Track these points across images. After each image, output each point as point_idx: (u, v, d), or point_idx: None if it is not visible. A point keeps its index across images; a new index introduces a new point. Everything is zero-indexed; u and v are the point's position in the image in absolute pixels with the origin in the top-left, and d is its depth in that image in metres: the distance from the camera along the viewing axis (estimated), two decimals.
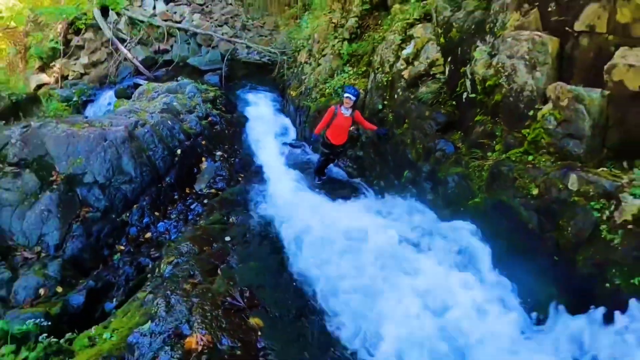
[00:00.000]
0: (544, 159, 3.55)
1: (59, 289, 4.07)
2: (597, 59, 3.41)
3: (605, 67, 3.29)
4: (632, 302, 2.64)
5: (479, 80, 4.27)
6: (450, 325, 3.13)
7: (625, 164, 3.28)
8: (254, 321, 3.01)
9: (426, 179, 4.87)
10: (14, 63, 8.86)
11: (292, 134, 7.67)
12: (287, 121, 7.91)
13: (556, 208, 3.29)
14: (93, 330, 2.88)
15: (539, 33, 3.72)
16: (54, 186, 4.90)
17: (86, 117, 7.80)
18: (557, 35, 3.68)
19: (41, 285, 4.05)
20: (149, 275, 3.56)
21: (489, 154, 4.09)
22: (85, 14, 7.73)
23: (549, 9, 3.72)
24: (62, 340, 2.78)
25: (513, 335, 3.06)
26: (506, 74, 3.89)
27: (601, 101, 3.29)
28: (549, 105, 3.57)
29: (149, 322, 2.76)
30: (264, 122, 7.78)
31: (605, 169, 3.31)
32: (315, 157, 6.84)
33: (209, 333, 2.72)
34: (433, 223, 4.24)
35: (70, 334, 3.04)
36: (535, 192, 3.46)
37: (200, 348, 2.65)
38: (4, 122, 5.80)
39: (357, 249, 3.80)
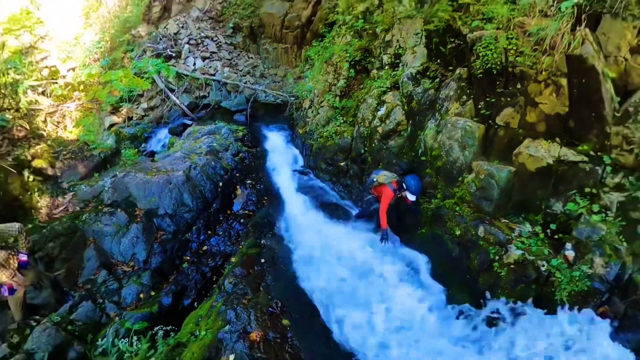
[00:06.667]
0: (466, 210, 4.14)
1: (152, 293, 4.80)
2: (510, 144, 3.88)
3: (514, 151, 3.77)
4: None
5: (428, 147, 4.80)
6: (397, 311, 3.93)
7: (522, 216, 3.83)
8: (285, 322, 3.75)
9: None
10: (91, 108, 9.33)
11: (301, 162, 8.06)
12: (296, 152, 8.25)
13: (469, 245, 3.91)
14: (189, 327, 3.64)
15: (470, 123, 4.17)
16: (138, 219, 5.55)
17: (151, 154, 8.34)
18: (483, 123, 4.11)
19: (140, 291, 4.76)
20: (217, 289, 4.28)
21: (433, 200, 4.70)
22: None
23: (479, 105, 4.13)
24: (172, 334, 3.53)
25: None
26: (445, 149, 4.39)
27: (509, 175, 3.78)
28: (472, 175, 4.11)
29: (227, 325, 3.48)
30: (279, 153, 8.14)
31: (506, 220, 3.92)
32: (317, 182, 7.45)
33: (262, 330, 3.47)
34: (396, 245, 4.93)
35: (169, 327, 3.78)
36: (458, 232, 4.08)
37: (258, 339, 3.42)
38: (98, 173, 6.35)
39: (345, 266, 4.52)
